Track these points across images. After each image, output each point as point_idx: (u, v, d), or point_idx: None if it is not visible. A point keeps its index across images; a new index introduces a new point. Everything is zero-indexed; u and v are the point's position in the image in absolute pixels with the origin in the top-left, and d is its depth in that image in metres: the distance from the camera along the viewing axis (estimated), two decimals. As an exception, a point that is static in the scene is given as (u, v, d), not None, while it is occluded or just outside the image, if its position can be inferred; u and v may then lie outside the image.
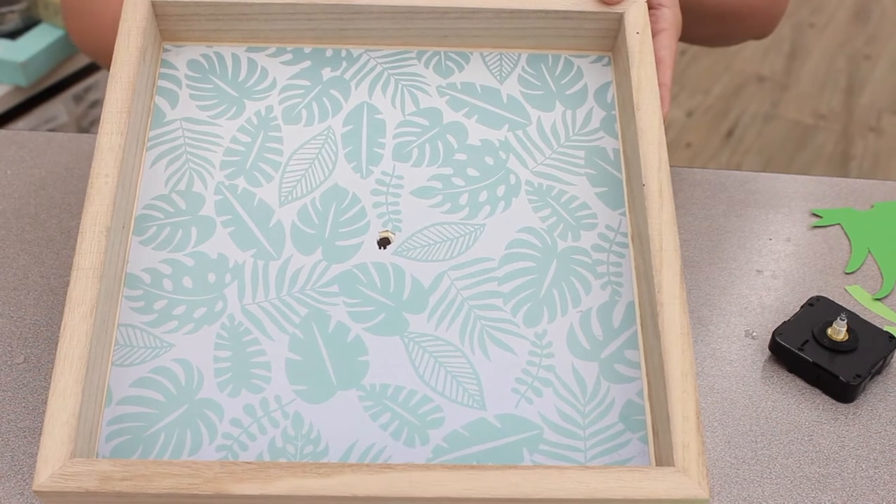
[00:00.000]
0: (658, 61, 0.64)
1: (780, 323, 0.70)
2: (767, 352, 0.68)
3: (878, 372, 0.67)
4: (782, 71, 2.25)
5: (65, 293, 0.69)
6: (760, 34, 0.96)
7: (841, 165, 2.01)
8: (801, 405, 0.65)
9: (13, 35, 1.49)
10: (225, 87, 0.64)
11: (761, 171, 1.17)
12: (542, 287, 0.59)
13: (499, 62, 0.66)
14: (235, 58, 0.65)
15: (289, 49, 0.66)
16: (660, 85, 0.62)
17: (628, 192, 0.61)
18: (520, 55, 0.67)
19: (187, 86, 0.64)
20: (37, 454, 0.55)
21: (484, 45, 0.66)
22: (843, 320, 0.66)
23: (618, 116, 0.64)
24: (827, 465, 0.61)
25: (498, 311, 0.58)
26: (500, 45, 0.67)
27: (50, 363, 0.65)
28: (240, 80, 0.65)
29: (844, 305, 0.71)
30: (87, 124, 1.62)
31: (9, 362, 0.65)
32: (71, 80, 1.58)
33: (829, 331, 0.67)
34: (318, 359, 0.56)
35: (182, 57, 0.65)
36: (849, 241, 0.77)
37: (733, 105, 2.16)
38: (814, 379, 0.66)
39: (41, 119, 1.54)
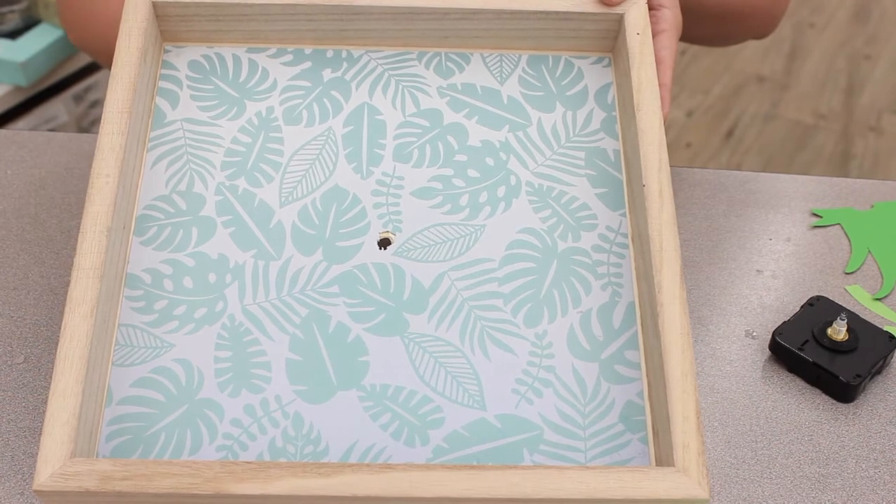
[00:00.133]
0: (658, 62, 0.64)
1: (780, 323, 0.70)
2: (767, 352, 0.68)
3: (878, 372, 0.67)
4: (782, 71, 2.25)
5: (65, 293, 0.69)
6: (761, 34, 0.96)
7: (841, 165, 2.01)
8: (801, 405, 0.65)
9: (13, 35, 1.49)
10: (226, 88, 0.65)
11: (761, 171, 1.17)
12: (542, 288, 0.59)
13: (499, 63, 0.66)
14: (236, 59, 0.66)
15: (289, 50, 0.66)
16: (660, 85, 0.62)
17: (628, 192, 0.61)
18: (520, 56, 0.67)
19: (188, 86, 0.64)
20: (37, 454, 0.55)
21: (484, 46, 0.67)
22: (843, 320, 0.66)
23: (618, 117, 0.64)
24: (827, 465, 0.61)
25: (498, 312, 0.58)
26: (500, 46, 0.67)
27: (50, 363, 0.65)
28: (240, 80, 0.65)
29: (844, 305, 0.71)
30: (87, 124, 1.62)
31: (9, 362, 0.65)
32: (71, 80, 1.58)
33: (829, 331, 0.67)
34: (318, 359, 0.56)
35: (183, 58, 0.65)
36: (849, 241, 0.77)
37: (733, 105, 2.16)
38: (814, 379, 0.66)
39: (41, 119, 1.54)
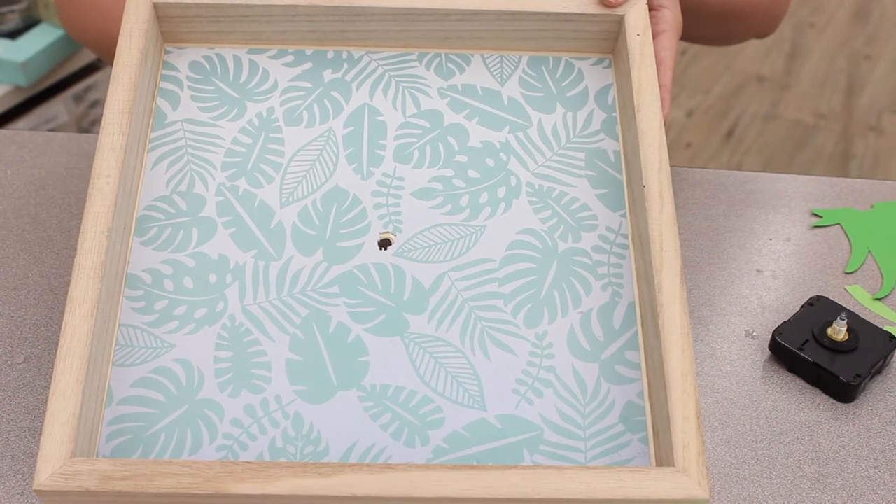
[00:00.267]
0: (658, 62, 0.64)
1: (780, 323, 0.70)
2: (767, 352, 0.68)
3: (878, 372, 0.67)
4: (782, 71, 2.25)
5: (65, 293, 0.69)
6: (762, 33, 0.96)
7: (841, 165, 2.01)
8: (801, 405, 0.65)
9: (13, 35, 1.49)
10: (226, 89, 0.65)
11: (761, 171, 1.17)
12: (542, 288, 0.59)
13: (499, 64, 0.66)
14: (237, 59, 0.66)
15: (290, 51, 0.66)
16: (660, 86, 0.62)
17: (629, 193, 0.61)
18: (520, 57, 0.67)
19: (189, 87, 0.64)
20: (37, 454, 0.55)
21: (485, 47, 0.67)
22: (843, 320, 0.66)
23: (618, 118, 0.64)
24: (827, 465, 0.61)
25: (498, 312, 0.58)
26: (500, 48, 0.67)
27: (50, 363, 0.65)
28: (241, 81, 0.65)
29: (844, 305, 0.71)
30: (87, 124, 1.62)
31: (9, 362, 0.65)
32: (71, 80, 1.58)
33: (829, 331, 0.67)
34: (318, 359, 0.56)
35: (184, 59, 0.65)
36: (849, 240, 0.77)
37: (733, 105, 2.16)
38: (814, 379, 0.66)
39: (41, 119, 1.54)
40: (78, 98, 1.57)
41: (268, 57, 0.66)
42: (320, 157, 0.63)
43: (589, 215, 0.61)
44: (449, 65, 0.66)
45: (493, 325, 0.58)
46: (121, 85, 0.60)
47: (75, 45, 1.55)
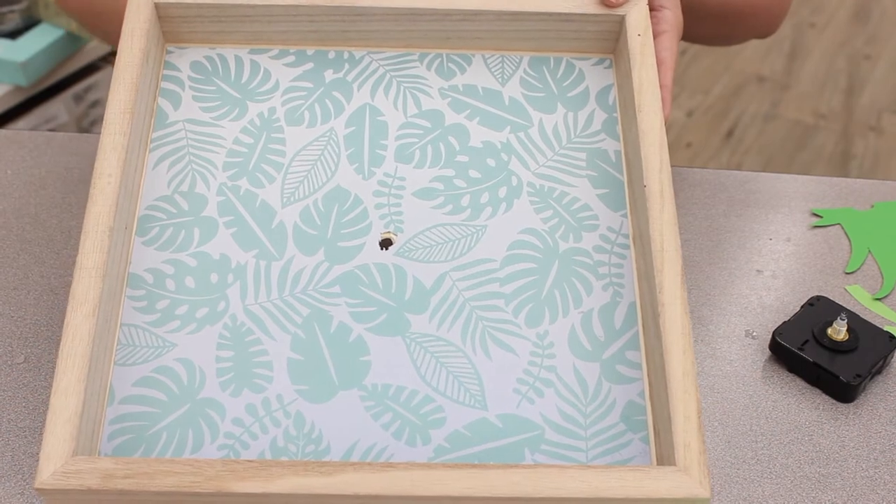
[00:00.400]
0: (659, 63, 0.65)
1: (780, 323, 0.70)
2: (767, 352, 0.68)
3: (878, 372, 0.67)
4: (782, 71, 2.25)
5: (65, 293, 0.69)
6: (763, 33, 0.96)
7: (841, 165, 2.01)
8: (801, 405, 0.65)
9: (13, 35, 1.49)
10: (227, 89, 0.65)
11: (761, 171, 1.17)
12: (543, 288, 0.59)
13: (500, 64, 0.67)
14: (238, 60, 0.66)
15: (291, 51, 0.66)
16: (661, 86, 0.62)
17: (630, 193, 0.61)
18: (521, 58, 0.67)
19: (190, 87, 0.64)
20: (37, 454, 0.55)
21: (486, 47, 0.67)
22: (844, 320, 0.66)
23: (619, 119, 0.65)
24: (827, 465, 0.61)
25: (499, 312, 0.58)
26: (501, 48, 0.67)
27: (50, 363, 0.65)
28: (242, 81, 0.65)
29: (844, 305, 0.71)
30: (88, 124, 1.62)
31: (9, 362, 0.65)
32: (71, 80, 1.58)
33: (830, 331, 0.67)
34: (319, 359, 0.56)
35: (185, 59, 0.65)
36: (849, 240, 0.77)
37: (733, 105, 2.16)
38: (814, 379, 0.66)
39: (41, 119, 1.53)
40: (78, 98, 1.57)
41: (269, 57, 0.66)
42: (322, 157, 0.63)
43: (590, 215, 0.61)
44: (450, 65, 0.66)
45: (494, 324, 0.58)
46: (122, 85, 0.60)
47: (75, 45, 1.55)
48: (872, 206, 0.80)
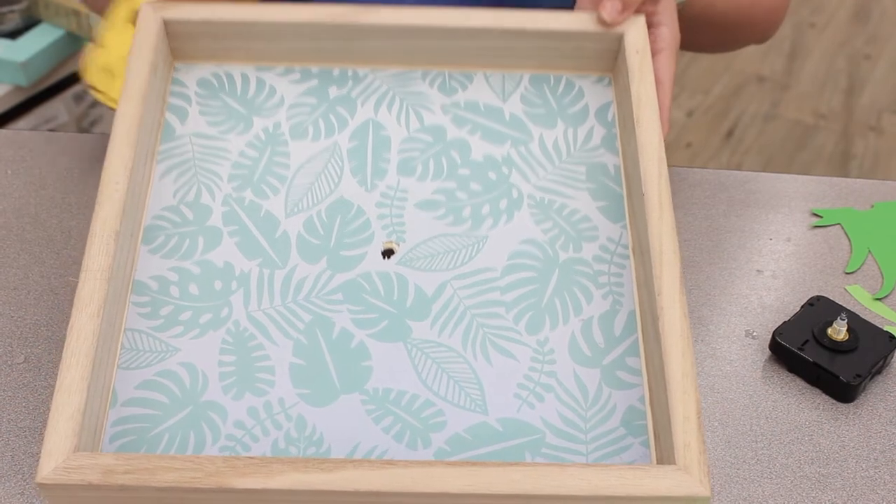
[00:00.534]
0: (657, 83, 0.65)
1: (780, 323, 0.70)
2: (767, 352, 0.68)
3: (879, 372, 0.67)
4: (782, 71, 2.26)
5: (65, 293, 0.69)
6: (761, 39, 0.97)
7: (841, 165, 2.02)
8: (801, 405, 0.65)
9: (13, 35, 1.48)
10: (234, 105, 0.66)
11: (761, 171, 1.17)
12: (543, 296, 0.59)
13: (501, 82, 0.68)
14: (244, 77, 0.67)
15: (296, 69, 0.68)
16: (659, 107, 0.63)
17: (629, 205, 0.62)
18: (522, 76, 0.68)
19: (197, 103, 0.66)
20: (37, 454, 0.56)
21: (487, 65, 0.68)
22: (844, 320, 0.66)
23: (618, 134, 0.66)
24: (827, 465, 0.61)
25: (500, 319, 0.58)
26: (503, 66, 0.68)
27: (50, 363, 0.65)
28: (248, 97, 0.66)
29: (844, 305, 0.71)
30: (88, 124, 1.62)
31: (9, 362, 0.65)
32: (71, 80, 1.58)
33: (830, 331, 0.67)
34: (321, 363, 0.56)
35: (192, 75, 0.67)
36: (849, 240, 0.77)
37: (733, 105, 2.17)
38: (814, 379, 0.66)
39: (41, 119, 1.53)
40: (78, 98, 1.57)
41: (275, 74, 0.67)
42: (325, 170, 0.64)
43: (590, 226, 0.62)
44: (452, 83, 0.68)
45: (494, 331, 0.58)
46: (131, 97, 0.61)
47: (75, 45, 1.54)
48: (872, 206, 0.81)
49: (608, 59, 0.68)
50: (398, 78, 0.68)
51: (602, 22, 0.66)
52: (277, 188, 0.63)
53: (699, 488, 0.49)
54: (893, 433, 0.63)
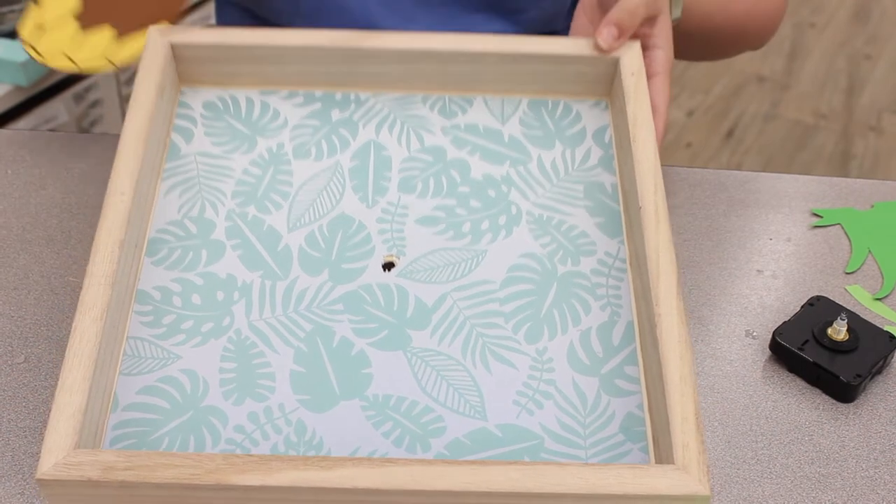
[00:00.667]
0: (653, 109, 0.67)
1: (780, 323, 0.70)
2: (768, 352, 0.68)
3: (879, 372, 0.67)
4: (782, 71, 2.28)
5: (65, 293, 0.69)
6: (757, 47, 0.98)
7: (841, 165, 2.02)
8: (801, 405, 0.65)
9: (13, 35, 1.47)
10: (238, 126, 0.67)
11: (761, 171, 1.18)
12: (542, 307, 0.60)
13: (500, 106, 0.69)
14: (249, 100, 0.69)
15: (300, 93, 0.69)
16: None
17: (626, 220, 0.63)
18: (521, 100, 0.70)
19: (202, 124, 0.67)
20: (37, 454, 0.56)
21: (486, 89, 0.70)
22: (844, 320, 0.67)
23: (615, 155, 0.67)
24: (827, 465, 0.61)
25: (499, 329, 0.59)
26: (502, 90, 0.70)
27: (50, 363, 0.65)
28: (253, 119, 0.68)
29: (845, 305, 0.71)
30: (88, 124, 1.61)
31: (9, 362, 0.65)
32: (71, 80, 1.57)
33: (830, 331, 0.67)
34: (321, 371, 0.57)
35: (198, 98, 0.68)
36: (849, 240, 0.77)
37: (733, 105, 2.18)
38: (814, 379, 0.66)
39: (41, 119, 1.52)
40: (78, 98, 1.57)
41: (279, 98, 0.69)
42: (327, 187, 0.65)
43: (587, 241, 0.63)
44: (452, 106, 0.69)
45: (493, 340, 0.58)
46: (138, 113, 0.62)
47: None
48: (872, 206, 0.81)
49: (605, 83, 0.69)
50: (399, 101, 0.69)
51: (598, 48, 0.68)
52: (280, 204, 0.64)
53: (698, 487, 0.49)
54: (893, 433, 0.63)
